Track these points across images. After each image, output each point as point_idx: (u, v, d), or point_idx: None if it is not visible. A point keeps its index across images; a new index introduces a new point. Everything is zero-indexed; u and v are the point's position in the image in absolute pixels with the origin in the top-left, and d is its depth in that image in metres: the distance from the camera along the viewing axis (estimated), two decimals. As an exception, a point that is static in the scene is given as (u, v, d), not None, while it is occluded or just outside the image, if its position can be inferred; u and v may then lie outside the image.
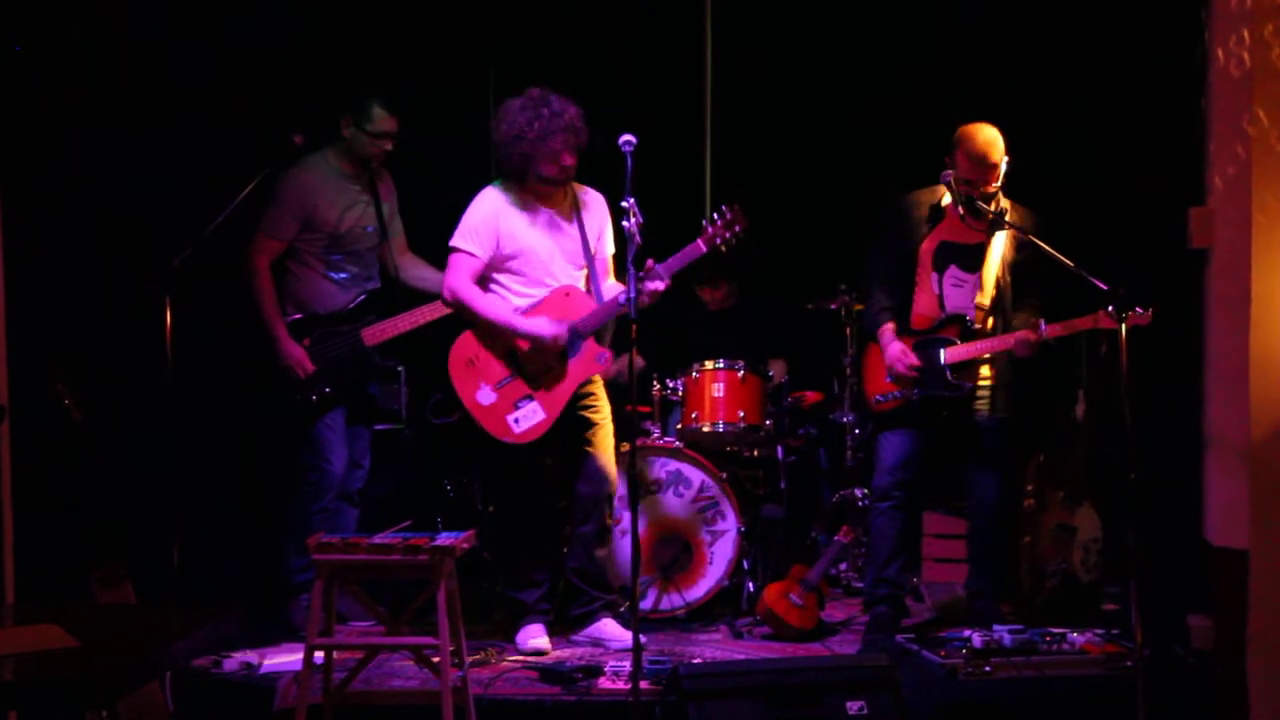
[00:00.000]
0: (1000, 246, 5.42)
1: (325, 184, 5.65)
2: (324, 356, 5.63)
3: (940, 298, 5.47)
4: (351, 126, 5.64)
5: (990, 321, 5.43)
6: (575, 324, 5.34)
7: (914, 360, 5.39)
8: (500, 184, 5.41)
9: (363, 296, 5.73)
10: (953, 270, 5.47)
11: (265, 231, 5.60)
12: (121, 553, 5.04)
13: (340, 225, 5.66)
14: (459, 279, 5.33)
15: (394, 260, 5.82)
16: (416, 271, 5.85)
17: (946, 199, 5.42)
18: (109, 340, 5.69)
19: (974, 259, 5.44)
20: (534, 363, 5.34)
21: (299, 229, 5.62)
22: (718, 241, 5.23)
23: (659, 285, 5.20)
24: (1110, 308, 4.72)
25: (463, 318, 5.39)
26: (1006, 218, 5.32)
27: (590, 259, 5.43)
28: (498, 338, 5.35)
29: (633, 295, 4.63)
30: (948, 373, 5.37)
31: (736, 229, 5.23)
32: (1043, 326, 5.21)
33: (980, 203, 5.29)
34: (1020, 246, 5.33)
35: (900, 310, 5.50)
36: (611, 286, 5.46)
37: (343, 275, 5.72)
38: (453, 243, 5.36)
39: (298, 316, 5.64)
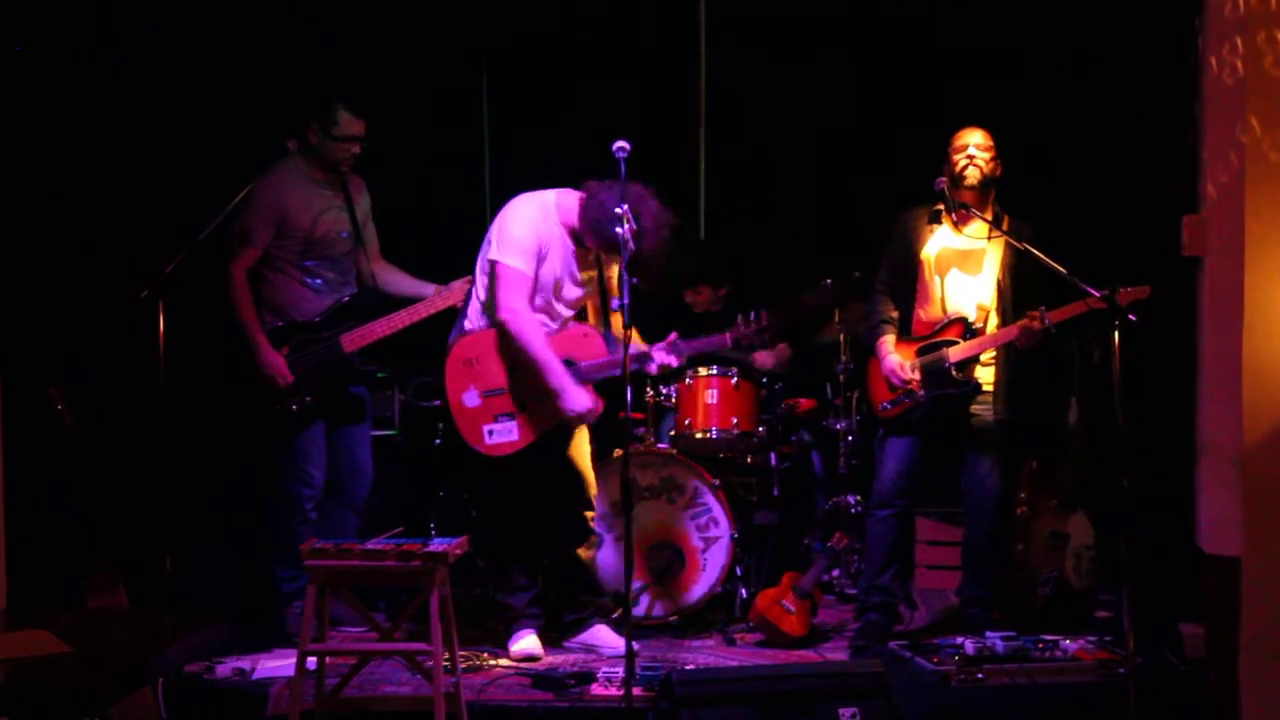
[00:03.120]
0: (999, 250, 5.49)
1: (298, 188, 5.63)
2: (303, 364, 5.60)
3: (943, 301, 5.53)
4: (319, 133, 5.62)
5: (991, 322, 5.48)
6: (582, 368, 5.31)
7: (909, 375, 5.46)
8: (544, 202, 5.33)
9: (340, 302, 5.70)
10: (954, 274, 5.54)
11: (241, 239, 5.56)
12: (114, 558, 5.03)
13: (314, 230, 5.64)
14: (517, 299, 5.20)
15: (368, 267, 5.80)
16: (390, 278, 5.83)
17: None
18: (102, 345, 5.69)
19: (974, 263, 5.53)
20: (531, 388, 5.31)
21: (273, 234, 5.60)
22: (743, 341, 5.40)
23: (673, 361, 5.29)
24: (1102, 297, 4.79)
25: (502, 334, 5.26)
26: (1003, 227, 5.38)
27: (604, 294, 5.45)
28: (511, 353, 5.28)
29: (626, 301, 4.62)
30: (954, 370, 5.40)
31: (764, 336, 5.39)
32: (1045, 314, 5.24)
33: (974, 210, 5.35)
34: (1018, 253, 5.36)
35: (903, 318, 5.59)
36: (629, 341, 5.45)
37: (318, 281, 5.69)
38: (500, 257, 5.22)
39: (277, 324, 5.61)
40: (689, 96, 7.10)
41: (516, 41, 6.89)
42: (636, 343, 5.33)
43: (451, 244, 5.55)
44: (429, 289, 5.71)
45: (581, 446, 5.52)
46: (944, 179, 5.41)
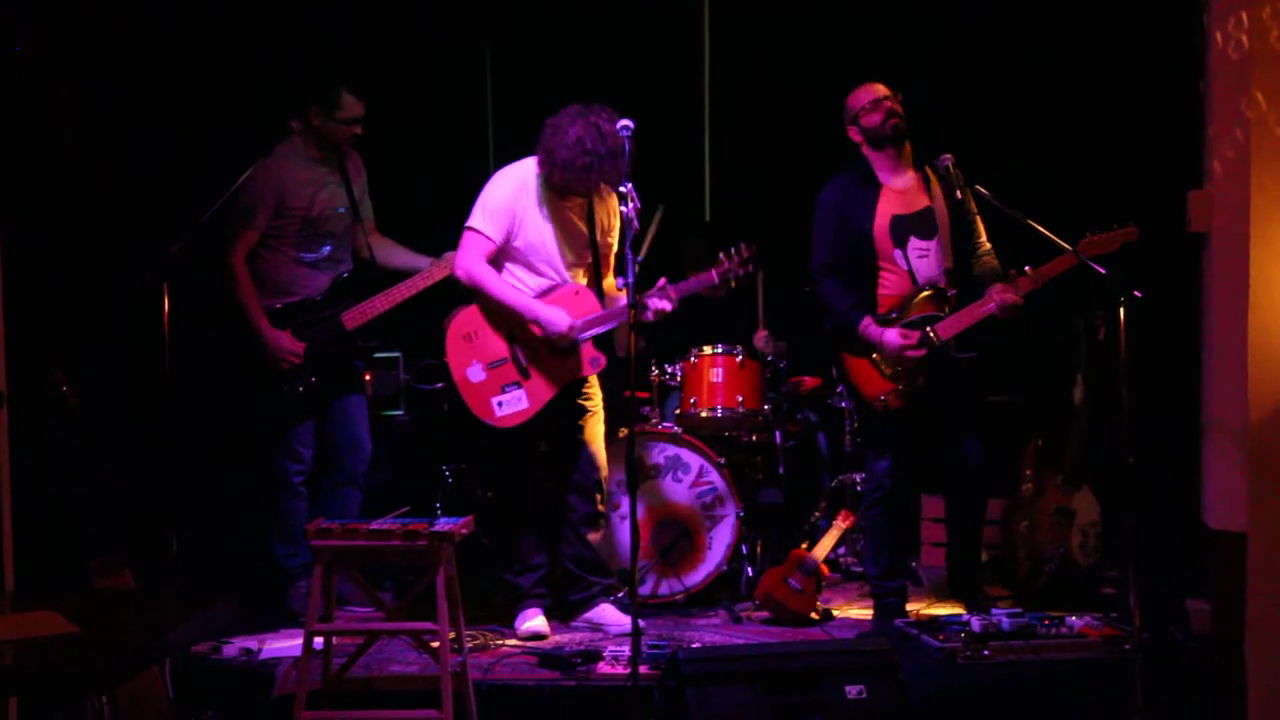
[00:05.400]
0: (941, 203, 5.34)
1: (295, 169, 5.65)
2: (307, 345, 5.61)
3: (911, 273, 5.35)
4: (321, 115, 5.63)
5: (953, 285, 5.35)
6: (579, 326, 5.34)
7: (915, 339, 5.24)
8: (524, 169, 5.38)
9: (337, 280, 5.71)
10: (913, 242, 5.35)
11: (240, 224, 5.57)
12: (120, 539, 5.04)
13: (312, 208, 5.65)
14: (472, 259, 5.33)
15: (365, 241, 5.81)
16: (386, 251, 5.84)
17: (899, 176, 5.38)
18: (107, 327, 5.69)
19: (928, 225, 5.35)
20: (532, 351, 5.34)
21: (272, 216, 5.61)
22: (730, 277, 5.29)
23: (665, 305, 5.25)
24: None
25: (476, 297, 5.38)
26: (948, 174, 5.28)
27: (595, 252, 5.44)
28: (503, 319, 5.35)
29: (630, 281, 4.62)
30: (949, 347, 5.25)
31: (749, 268, 5.31)
32: (1034, 274, 5.14)
33: (972, 189, 5.26)
34: (952, 204, 5.29)
35: (862, 299, 5.37)
36: (614, 293, 5.47)
37: (315, 256, 5.70)
38: (468, 223, 5.35)
39: (275, 306, 5.61)
40: (694, 85, 7.08)
41: (518, 34, 6.90)
42: (622, 295, 5.37)
43: (454, 233, 5.53)
44: (424, 261, 5.74)
45: (596, 430, 5.53)
46: (949, 157, 5.29)
